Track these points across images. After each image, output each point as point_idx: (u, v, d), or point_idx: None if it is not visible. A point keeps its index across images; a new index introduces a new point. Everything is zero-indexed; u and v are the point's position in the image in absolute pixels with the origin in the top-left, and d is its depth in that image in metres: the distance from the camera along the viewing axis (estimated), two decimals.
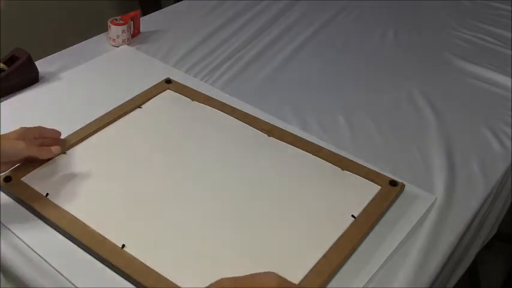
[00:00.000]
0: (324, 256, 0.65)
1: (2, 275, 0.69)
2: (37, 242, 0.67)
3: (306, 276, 0.63)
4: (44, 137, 0.80)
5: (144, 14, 1.31)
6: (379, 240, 0.69)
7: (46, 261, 0.65)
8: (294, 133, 0.86)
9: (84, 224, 0.68)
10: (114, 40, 1.12)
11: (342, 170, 0.79)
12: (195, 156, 0.81)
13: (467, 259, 0.87)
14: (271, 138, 0.85)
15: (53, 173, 0.77)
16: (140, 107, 0.91)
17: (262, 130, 0.86)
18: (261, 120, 0.88)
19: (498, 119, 0.96)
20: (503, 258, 1.46)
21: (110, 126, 0.87)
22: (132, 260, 0.64)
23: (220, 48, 1.14)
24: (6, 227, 0.69)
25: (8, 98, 0.93)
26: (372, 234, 0.70)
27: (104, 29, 1.14)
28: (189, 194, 0.75)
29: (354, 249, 0.67)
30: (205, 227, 0.70)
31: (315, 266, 0.64)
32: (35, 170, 0.77)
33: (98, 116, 0.87)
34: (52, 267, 0.64)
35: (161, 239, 0.68)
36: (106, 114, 0.88)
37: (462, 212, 0.76)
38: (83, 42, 1.14)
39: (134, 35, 1.16)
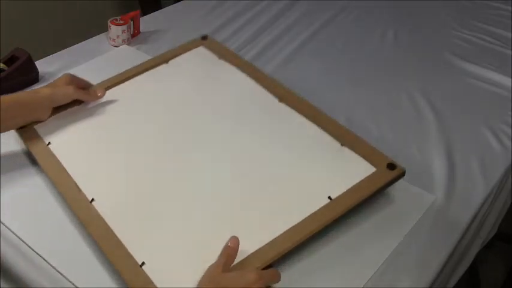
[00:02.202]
0: (284, 233, 0.64)
1: (1, 275, 0.69)
2: (37, 241, 0.67)
3: (260, 249, 0.62)
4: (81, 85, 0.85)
5: (144, 14, 1.31)
6: (379, 240, 0.69)
7: (46, 261, 0.65)
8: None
9: (68, 173, 0.72)
10: (114, 40, 1.12)
11: (341, 145, 0.77)
12: (201, 113, 0.83)
13: (467, 259, 0.87)
14: (282, 104, 0.84)
15: (63, 124, 0.80)
16: (167, 63, 0.92)
17: (275, 95, 0.86)
18: (279, 84, 0.87)
19: (498, 119, 0.96)
20: (503, 258, 1.46)
21: (131, 80, 0.89)
22: (96, 216, 0.66)
23: None
24: (6, 227, 0.69)
25: None
26: (371, 234, 0.70)
27: (104, 29, 1.14)
28: (188, 150, 0.76)
29: (313, 233, 0.65)
30: (198, 181, 0.72)
31: (271, 241, 0.63)
32: (49, 120, 0.80)
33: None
34: (52, 267, 0.64)
35: (138, 200, 0.69)
36: (131, 68, 0.91)
37: (462, 212, 0.76)
38: (83, 42, 1.14)
39: (134, 35, 1.16)
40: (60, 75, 1.01)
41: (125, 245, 0.63)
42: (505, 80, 1.07)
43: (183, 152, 0.77)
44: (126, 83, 0.90)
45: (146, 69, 0.92)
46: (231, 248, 0.61)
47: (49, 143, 0.77)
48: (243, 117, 0.83)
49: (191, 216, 0.68)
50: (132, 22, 1.14)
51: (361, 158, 0.74)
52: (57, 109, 0.82)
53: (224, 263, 0.59)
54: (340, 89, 1.03)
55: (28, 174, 0.77)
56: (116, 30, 1.10)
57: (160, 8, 1.35)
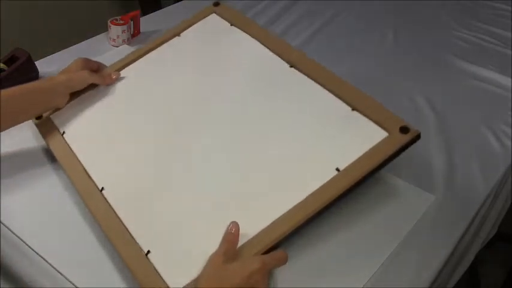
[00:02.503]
0: (286, 213, 0.62)
1: (1, 275, 0.69)
2: (37, 240, 0.67)
3: (261, 231, 0.61)
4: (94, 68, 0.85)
5: (144, 14, 1.31)
6: (378, 240, 0.69)
7: (46, 261, 0.65)
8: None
9: (80, 162, 0.73)
10: (114, 40, 1.12)
11: (352, 110, 0.72)
12: (211, 87, 0.81)
13: (467, 259, 0.87)
14: (292, 69, 0.80)
15: (77, 111, 0.81)
16: (179, 35, 0.92)
17: (286, 60, 0.82)
18: (291, 49, 0.83)
19: (498, 119, 0.96)
20: (503, 258, 1.46)
21: (143, 58, 0.89)
22: (104, 205, 0.67)
23: None
24: (6, 227, 0.69)
25: None
26: (371, 234, 0.70)
27: (104, 29, 1.14)
28: (197, 130, 0.75)
29: (318, 211, 0.63)
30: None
31: (272, 223, 0.62)
32: (64, 108, 0.81)
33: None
34: (52, 267, 0.64)
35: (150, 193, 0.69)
36: (144, 46, 0.91)
37: (462, 212, 0.76)
38: (83, 42, 1.14)
39: (134, 35, 1.16)
40: None
41: (132, 234, 0.64)
42: (505, 80, 1.07)
43: (193, 133, 0.75)
44: (139, 61, 0.89)
45: (158, 45, 0.91)
46: (232, 235, 0.60)
47: (63, 133, 0.78)
48: (250, 86, 0.80)
49: (199, 204, 0.66)
50: (132, 22, 1.14)
51: (373, 123, 0.69)
52: (73, 95, 0.82)
53: (225, 251, 0.58)
54: None
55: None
56: (115, 30, 1.10)
57: (160, 8, 1.35)
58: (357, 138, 0.68)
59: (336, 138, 0.69)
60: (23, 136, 0.82)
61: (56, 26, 1.95)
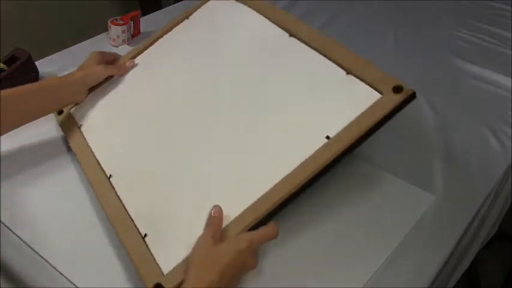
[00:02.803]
0: (276, 185, 0.61)
1: (1, 275, 0.69)
2: (37, 240, 0.67)
3: (245, 210, 0.61)
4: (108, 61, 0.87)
5: (144, 14, 1.31)
6: (378, 240, 0.69)
7: (46, 261, 0.65)
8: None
9: (91, 151, 0.75)
10: (114, 40, 1.12)
11: (347, 74, 0.70)
12: (214, 58, 0.82)
13: (467, 259, 0.87)
14: (292, 38, 0.79)
15: (93, 103, 0.83)
16: (188, 18, 0.92)
17: (286, 30, 0.81)
18: (291, 19, 0.82)
19: (498, 119, 0.96)
20: (503, 258, 1.46)
21: (155, 44, 0.90)
22: (110, 192, 0.69)
23: None
24: (7, 227, 0.69)
25: None
26: (371, 234, 0.70)
27: (104, 29, 1.14)
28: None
29: (304, 183, 0.61)
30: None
31: (257, 200, 0.61)
32: (85, 102, 0.83)
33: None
34: (52, 267, 0.64)
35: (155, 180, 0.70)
36: (158, 31, 0.93)
37: (462, 212, 0.76)
38: (83, 42, 1.14)
39: (134, 35, 1.16)
40: (60, 75, 1.01)
41: (133, 218, 0.65)
42: (505, 80, 1.07)
43: (198, 112, 0.76)
44: (151, 47, 0.90)
45: (170, 29, 0.92)
46: (215, 218, 0.60)
47: (80, 126, 0.80)
48: (250, 56, 0.80)
49: (191, 187, 0.67)
50: (132, 22, 1.14)
51: (367, 85, 0.67)
52: (92, 88, 0.84)
53: (212, 233, 0.58)
54: None
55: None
56: (115, 30, 1.10)
57: (160, 8, 1.35)
58: (350, 102, 0.65)
59: (328, 105, 0.67)
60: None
61: (56, 26, 1.95)
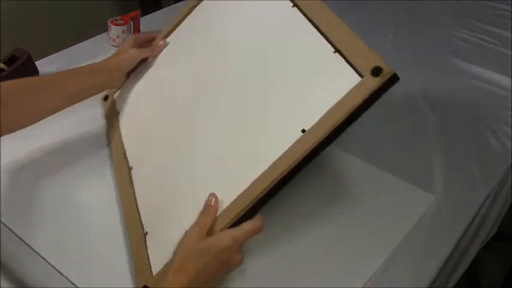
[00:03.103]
0: (256, 179, 0.58)
1: (1, 275, 0.69)
2: (37, 239, 0.67)
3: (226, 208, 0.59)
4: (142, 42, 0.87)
5: (144, 14, 1.31)
6: (378, 240, 0.69)
7: (46, 261, 0.65)
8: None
9: (122, 140, 0.77)
10: (114, 40, 1.12)
11: (334, 52, 0.64)
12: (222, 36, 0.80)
13: (467, 259, 0.87)
14: (294, 8, 0.73)
15: (129, 88, 0.84)
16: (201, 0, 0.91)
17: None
18: None
19: (498, 119, 0.96)
20: (503, 258, 1.46)
21: (178, 28, 0.89)
22: (128, 184, 0.69)
23: None
24: (7, 227, 0.69)
25: None
26: (371, 234, 0.70)
27: (104, 29, 1.14)
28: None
29: (285, 176, 0.57)
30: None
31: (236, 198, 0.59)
32: (123, 87, 0.85)
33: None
34: (52, 267, 0.64)
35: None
36: (178, 15, 0.92)
37: (462, 212, 0.76)
38: (83, 42, 1.14)
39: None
40: None
41: (140, 214, 0.66)
42: (505, 80, 1.07)
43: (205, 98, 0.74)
44: (177, 29, 0.90)
45: (184, 18, 0.91)
46: (210, 207, 0.59)
47: (118, 113, 0.82)
48: (250, 30, 0.77)
49: (188, 183, 0.66)
50: (132, 22, 1.14)
51: (349, 67, 0.60)
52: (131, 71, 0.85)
53: (201, 225, 0.57)
54: None
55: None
56: (116, 30, 1.10)
57: (161, 8, 1.35)
58: (330, 89, 0.60)
59: (308, 94, 0.62)
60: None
61: (56, 26, 1.95)
